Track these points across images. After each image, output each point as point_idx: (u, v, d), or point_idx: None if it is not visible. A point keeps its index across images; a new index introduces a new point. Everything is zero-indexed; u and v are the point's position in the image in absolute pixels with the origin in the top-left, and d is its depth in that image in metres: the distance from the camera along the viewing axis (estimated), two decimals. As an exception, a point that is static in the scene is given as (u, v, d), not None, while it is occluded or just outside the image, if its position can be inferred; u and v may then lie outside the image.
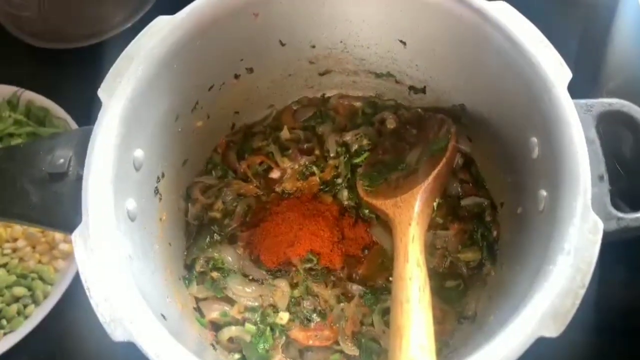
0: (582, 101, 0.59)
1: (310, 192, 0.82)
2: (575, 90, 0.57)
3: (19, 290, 0.87)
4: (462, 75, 0.73)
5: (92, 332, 0.52)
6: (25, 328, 0.83)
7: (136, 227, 0.62)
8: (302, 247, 0.76)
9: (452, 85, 0.77)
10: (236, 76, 0.78)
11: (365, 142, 0.84)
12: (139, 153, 0.63)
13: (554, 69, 0.58)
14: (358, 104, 0.89)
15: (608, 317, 0.80)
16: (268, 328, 0.73)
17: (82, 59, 1.09)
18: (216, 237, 0.80)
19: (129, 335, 0.50)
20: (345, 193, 0.81)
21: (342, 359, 0.72)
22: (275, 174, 0.84)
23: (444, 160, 0.72)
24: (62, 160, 0.60)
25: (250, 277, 0.77)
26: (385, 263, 0.76)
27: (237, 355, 0.72)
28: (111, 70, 0.62)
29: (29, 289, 0.88)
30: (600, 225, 0.51)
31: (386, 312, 0.70)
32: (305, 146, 0.86)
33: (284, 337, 0.73)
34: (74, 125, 1.00)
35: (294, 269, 0.76)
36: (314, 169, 0.84)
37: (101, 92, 0.60)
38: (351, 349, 0.72)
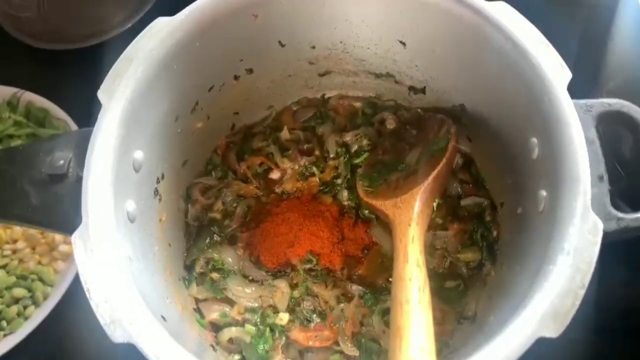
0: (582, 101, 0.59)
1: (310, 193, 0.82)
2: (575, 90, 0.57)
3: (19, 292, 0.87)
4: (462, 75, 0.73)
5: (92, 333, 0.52)
6: (25, 329, 0.83)
7: (136, 228, 0.62)
8: (302, 248, 0.76)
9: (452, 86, 0.77)
10: (236, 77, 0.78)
11: (365, 142, 0.84)
12: (138, 154, 0.63)
13: (554, 70, 0.58)
14: (358, 104, 0.89)
15: (608, 317, 0.79)
16: (268, 329, 0.73)
17: (82, 59, 1.09)
18: (216, 238, 0.80)
19: (129, 337, 0.50)
20: (345, 194, 0.81)
21: (342, 360, 0.72)
22: (275, 175, 0.84)
23: (444, 160, 0.72)
24: (62, 162, 0.60)
25: (250, 278, 0.77)
26: (385, 263, 0.75)
27: (237, 356, 0.72)
28: (110, 72, 0.62)
29: (29, 290, 0.88)
30: (600, 226, 0.51)
31: (386, 313, 0.70)
32: (305, 147, 0.86)
33: (284, 338, 0.73)
34: (73, 126, 1.00)
35: (294, 269, 0.76)
36: (314, 169, 0.84)
37: (101, 94, 0.60)
38: (351, 350, 0.71)
